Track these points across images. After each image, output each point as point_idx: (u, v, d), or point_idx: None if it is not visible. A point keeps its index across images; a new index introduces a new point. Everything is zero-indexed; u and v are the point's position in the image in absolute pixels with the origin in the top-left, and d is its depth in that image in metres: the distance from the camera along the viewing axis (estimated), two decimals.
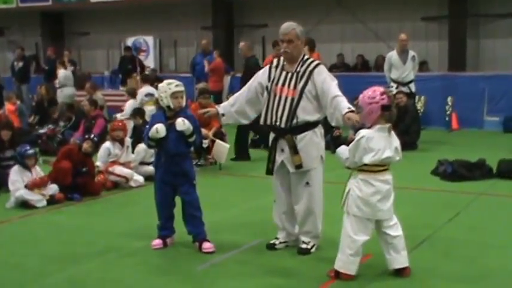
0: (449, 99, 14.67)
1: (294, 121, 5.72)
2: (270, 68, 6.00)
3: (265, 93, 5.93)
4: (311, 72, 5.76)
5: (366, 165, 5.09)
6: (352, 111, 5.37)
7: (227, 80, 17.03)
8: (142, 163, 9.75)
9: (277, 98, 5.81)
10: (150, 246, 6.21)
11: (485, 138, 13.28)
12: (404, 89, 12.34)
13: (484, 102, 14.53)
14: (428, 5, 17.27)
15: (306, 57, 5.94)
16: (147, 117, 12.28)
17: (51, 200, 8.20)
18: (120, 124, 9.79)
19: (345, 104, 5.49)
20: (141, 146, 9.51)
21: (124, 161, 9.40)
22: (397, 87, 12.22)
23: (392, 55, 12.49)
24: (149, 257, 5.99)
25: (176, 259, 5.94)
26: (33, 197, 8.09)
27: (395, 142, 5.19)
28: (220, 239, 6.38)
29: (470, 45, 16.79)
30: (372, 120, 5.09)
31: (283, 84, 5.82)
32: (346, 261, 5.17)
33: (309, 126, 5.79)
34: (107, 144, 9.44)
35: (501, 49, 16.80)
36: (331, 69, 17.54)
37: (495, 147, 11.53)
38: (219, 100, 15.08)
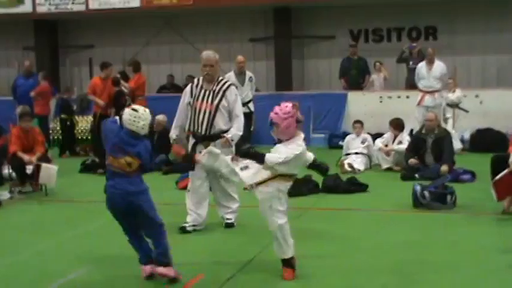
0: None
1: (212, 129, 7.16)
2: (191, 87, 7.37)
3: (189, 107, 7.32)
4: (224, 91, 7.23)
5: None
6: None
7: (53, 102, 16.28)
8: None
9: (197, 110, 7.22)
10: None
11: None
12: (244, 109, 12.41)
13: (310, 119, 15.06)
14: (256, 26, 17.77)
15: (220, 78, 7.44)
16: None
17: None
18: None
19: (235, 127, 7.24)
20: None
21: None
22: None
23: (230, 76, 12.46)
24: None
25: None
26: None
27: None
28: (46, 267, 6.04)
29: (295, 65, 17.46)
30: (290, 134, 5.42)
31: (203, 100, 7.20)
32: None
33: (222, 133, 7.19)
34: None
35: (324, 69, 17.63)
36: (160, 90, 17.49)
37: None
38: (44, 124, 14.42)
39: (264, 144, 14.60)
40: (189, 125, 7.37)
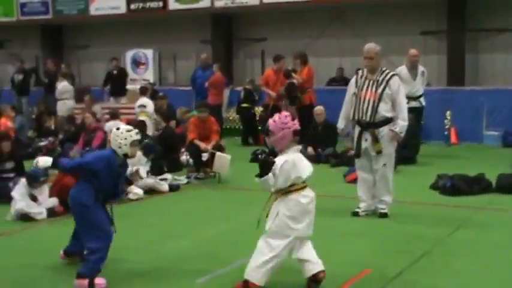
0: (448, 113, 14.70)
1: (376, 117, 7.57)
2: (356, 78, 7.84)
3: (353, 97, 7.77)
4: (388, 80, 7.59)
5: (291, 185, 5.23)
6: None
7: (226, 93, 17.06)
8: None
9: (361, 99, 7.64)
10: (150, 257, 6.21)
11: (485, 153, 13.29)
12: (415, 104, 12.26)
13: (483, 116, 14.55)
14: (427, 19, 17.34)
15: (383, 68, 7.75)
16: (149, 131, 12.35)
17: (51, 213, 8.20)
18: None
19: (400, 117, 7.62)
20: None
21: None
22: (408, 102, 12.07)
23: (402, 70, 12.24)
24: (150, 268, 5.98)
25: (174, 272, 5.94)
26: (34, 209, 8.10)
27: (306, 160, 5.42)
28: (218, 252, 6.39)
29: (468, 60, 16.84)
30: (283, 145, 5.29)
31: (367, 89, 7.62)
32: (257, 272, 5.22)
33: (387, 121, 7.62)
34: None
35: (500, 63, 16.86)
36: (330, 82, 17.67)
37: (494, 162, 11.55)
38: (218, 114, 15.13)
39: (434, 139, 14.49)
40: (354, 113, 7.79)
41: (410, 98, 12.18)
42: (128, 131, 5.77)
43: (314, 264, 5.36)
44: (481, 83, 16.81)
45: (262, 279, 5.21)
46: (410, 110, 12.04)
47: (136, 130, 5.90)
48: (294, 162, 5.22)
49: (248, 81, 16.47)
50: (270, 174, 5.13)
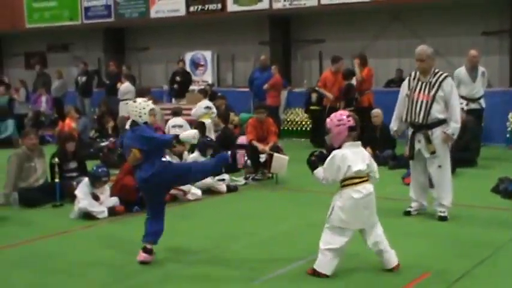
0: (510, 115, 14.36)
1: (429, 118, 7.57)
2: (409, 80, 7.86)
3: (406, 99, 7.79)
4: (441, 82, 7.56)
5: (345, 179, 5.60)
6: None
7: (284, 95, 17.11)
8: None
9: (414, 101, 7.65)
10: (209, 257, 6.33)
11: None
12: (474, 105, 12.05)
13: None
14: (489, 19, 16.98)
15: (436, 70, 7.71)
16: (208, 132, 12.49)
17: (112, 212, 8.41)
18: None
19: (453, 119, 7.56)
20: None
21: None
22: (467, 104, 11.88)
23: (461, 71, 12.00)
24: (208, 269, 6.08)
25: (231, 272, 6.01)
26: (96, 208, 8.32)
27: (367, 157, 5.75)
28: (276, 253, 6.45)
29: None
30: (339, 141, 5.69)
31: (420, 91, 7.60)
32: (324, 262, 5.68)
33: (440, 122, 7.59)
34: (166, 158, 9.60)
35: None
36: (389, 84, 17.51)
37: None
38: (276, 115, 15.17)
39: (495, 142, 14.19)
40: (407, 115, 7.83)
41: (469, 100, 12.02)
42: (145, 101, 6.34)
43: (388, 253, 5.76)
44: None
45: (328, 268, 5.63)
46: (470, 112, 11.93)
47: (151, 101, 6.59)
48: (344, 155, 5.58)
49: (317, 83, 16.42)
50: (320, 168, 5.68)
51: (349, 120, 5.67)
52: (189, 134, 6.28)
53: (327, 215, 5.69)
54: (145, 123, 6.28)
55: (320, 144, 12.39)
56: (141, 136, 6.18)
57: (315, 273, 5.67)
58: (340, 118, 5.70)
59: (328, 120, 5.79)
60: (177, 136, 6.30)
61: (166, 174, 6.25)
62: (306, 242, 6.88)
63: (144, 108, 6.24)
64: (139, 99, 6.42)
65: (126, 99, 17.14)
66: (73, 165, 9.71)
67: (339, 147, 5.68)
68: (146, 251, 6.23)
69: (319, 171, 5.70)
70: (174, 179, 6.53)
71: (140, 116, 6.23)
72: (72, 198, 8.60)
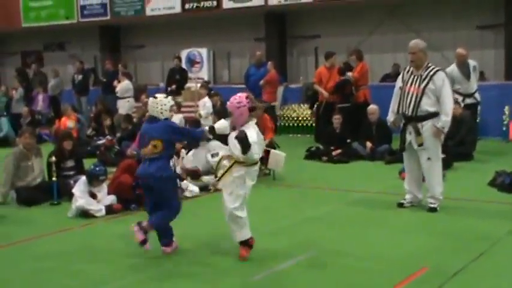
0: (506, 108, 14.40)
1: (418, 111, 7.73)
2: (403, 73, 8.08)
3: (399, 91, 7.99)
4: (432, 75, 7.71)
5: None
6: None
7: (280, 91, 17.10)
8: None
9: (406, 93, 7.85)
10: (208, 254, 6.34)
11: None
12: (470, 100, 12.14)
13: None
14: (484, 13, 17.00)
15: (429, 64, 7.89)
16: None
17: (109, 210, 8.42)
18: None
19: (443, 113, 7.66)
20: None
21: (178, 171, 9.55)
22: (463, 100, 11.99)
23: (453, 70, 12.03)
24: (207, 265, 6.09)
25: (231, 268, 6.03)
26: (93, 206, 8.32)
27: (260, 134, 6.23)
28: (274, 249, 6.46)
29: None
30: (242, 121, 6.06)
31: (411, 84, 7.78)
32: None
33: (430, 115, 7.71)
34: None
35: None
36: (385, 78, 17.52)
37: None
38: (272, 111, 15.17)
39: (491, 135, 14.22)
40: (398, 107, 8.06)
41: (465, 95, 12.13)
42: (165, 97, 6.46)
43: None
44: None
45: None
46: (466, 107, 12.00)
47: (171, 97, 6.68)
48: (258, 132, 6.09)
49: (301, 79, 16.42)
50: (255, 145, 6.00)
51: (248, 102, 6.04)
52: (222, 124, 6.35)
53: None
54: (166, 119, 6.38)
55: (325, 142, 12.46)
56: (172, 127, 6.34)
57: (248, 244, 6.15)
58: (240, 100, 6.04)
59: (228, 103, 6.14)
60: (212, 127, 6.34)
61: (166, 185, 6.34)
62: (304, 238, 6.91)
63: (165, 104, 6.36)
64: (159, 96, 6.49)
65: (126, 97, 17.16)
66: (70, 163, 9.71)
67: (241, 126, 5.99)
68: (141, 228, 6.28)
69: (255, 149, 6.02)
70: (161, 194, 6.40)
71: (162, 112, 6.34)
72: (70, 196, 8.61)
